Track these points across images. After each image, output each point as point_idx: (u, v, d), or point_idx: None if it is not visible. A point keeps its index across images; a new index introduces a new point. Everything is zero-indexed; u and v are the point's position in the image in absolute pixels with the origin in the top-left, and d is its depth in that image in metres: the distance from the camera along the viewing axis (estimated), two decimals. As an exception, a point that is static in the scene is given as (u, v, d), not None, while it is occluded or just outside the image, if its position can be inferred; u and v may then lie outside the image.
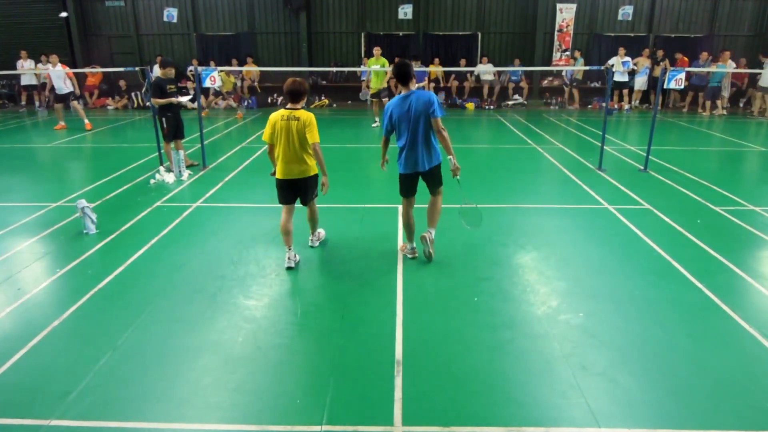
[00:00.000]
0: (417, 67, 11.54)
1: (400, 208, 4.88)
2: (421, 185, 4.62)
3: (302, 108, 4.38)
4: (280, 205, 4.60)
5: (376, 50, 11.67)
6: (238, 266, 4.60)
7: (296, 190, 4.53)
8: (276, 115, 4.33)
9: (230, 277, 4.39)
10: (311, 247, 5.01)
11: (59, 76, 11.86)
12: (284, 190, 4.50)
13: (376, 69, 11.41)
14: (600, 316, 3.77)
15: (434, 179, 4.55)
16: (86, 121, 11.91)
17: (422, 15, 16.37)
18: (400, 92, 4.40)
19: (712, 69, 13.63)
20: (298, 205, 4.65)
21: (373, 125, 11.82)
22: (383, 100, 11.87)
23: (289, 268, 4.51)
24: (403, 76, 4.32)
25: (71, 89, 12.23)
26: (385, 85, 11.88)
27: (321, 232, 5.17)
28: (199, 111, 8.44)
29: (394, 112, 4.38)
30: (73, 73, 12.55)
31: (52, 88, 12.33)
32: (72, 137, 11.11)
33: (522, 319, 3.75)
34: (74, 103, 12.19)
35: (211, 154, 8.74)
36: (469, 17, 16.47)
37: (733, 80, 15.02)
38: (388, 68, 11.29)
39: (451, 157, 4.40)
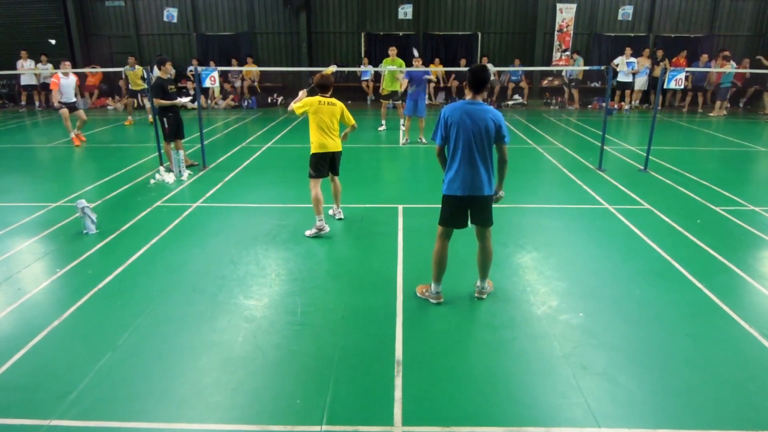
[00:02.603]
0: (417, 67, 11.46)
1: (437, 245, 3.90)
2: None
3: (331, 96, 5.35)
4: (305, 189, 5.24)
5: (392, 50, 11.30)
6: (238, 266, 4.60)
7: (328, 162, 5.36)
8: (313, 99, 5.21)
9: (230, 277, 4.39)
10: (331, 215, 5.79)
11: (72, 86, 10.74)
12: (321, 163, 5.30)
13: (392, 69, 11.07)
14: (600, 316, 3.77)
15: (487, 211, 3.84)
16: (72, 134, 10.54)
17: (422, 15, 16.38)
18: (465, 97, 3.77)
19: (726, 69, 13.62)
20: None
21: (380, 128, 11.70)
22: (396, 103, 11.56)
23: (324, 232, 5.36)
24: (479, 83, 3.64)
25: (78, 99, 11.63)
26: (399, 88, 11.36)
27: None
28: (200, 111, 8.43)
29: (451, 117, 3.69)
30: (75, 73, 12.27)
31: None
32: (71, 137, 11.09)
33: (522, 319, 3.75)
34: (64, 111, 10.70)
35: (211, 154, 8.74)
36: (469, 17, 16.48)
37: (733, 80, 15.02)
38: (404, 70, 11.07)
39: (501, 191, 3.96)
